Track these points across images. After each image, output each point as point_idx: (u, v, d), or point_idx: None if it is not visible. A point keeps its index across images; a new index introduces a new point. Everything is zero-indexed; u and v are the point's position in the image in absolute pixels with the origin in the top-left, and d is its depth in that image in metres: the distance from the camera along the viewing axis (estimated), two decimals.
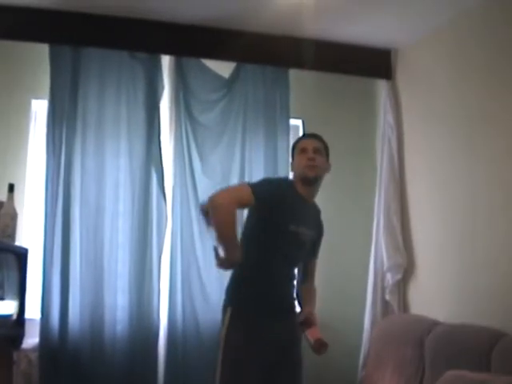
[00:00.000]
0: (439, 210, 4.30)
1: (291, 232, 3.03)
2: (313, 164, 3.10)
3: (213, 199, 2.89)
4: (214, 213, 2.87)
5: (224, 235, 2.85)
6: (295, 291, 3.27)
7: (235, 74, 4.64)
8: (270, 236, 3.03)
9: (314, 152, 3.12)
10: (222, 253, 2.86)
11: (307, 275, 3.34)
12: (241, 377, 2.92)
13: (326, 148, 3.22)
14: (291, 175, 3.31)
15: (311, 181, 3.12)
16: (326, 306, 4.68)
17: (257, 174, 4.49)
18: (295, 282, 3.27)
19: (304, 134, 3.39)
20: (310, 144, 3.16)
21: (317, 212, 3.32)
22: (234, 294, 3.10)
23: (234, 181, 4.51)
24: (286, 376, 3.09)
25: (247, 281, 3.06)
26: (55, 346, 4.02)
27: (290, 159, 3.31)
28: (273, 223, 3.01)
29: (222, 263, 2.88)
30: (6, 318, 3.48)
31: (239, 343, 2.95)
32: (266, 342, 2.97)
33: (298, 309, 3.27)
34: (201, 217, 3.31)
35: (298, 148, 3.21)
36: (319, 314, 4.62)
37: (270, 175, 4.47)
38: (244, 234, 3.11)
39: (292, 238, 3.05)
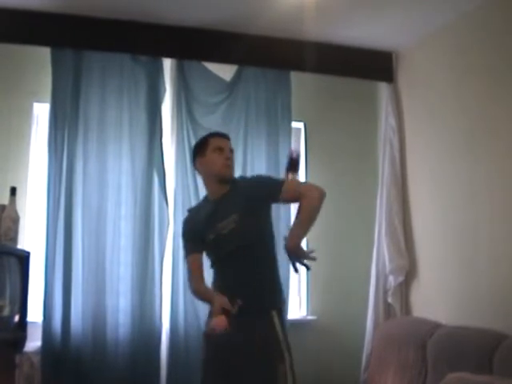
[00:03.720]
0: (441, 212, 4.30)
1: (213, 239, 3.07)
2: (230, 164, 3.15)
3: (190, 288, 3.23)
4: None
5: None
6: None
7: (237, 77, 4.65)
8: (208, 254, 3.17)
9: (230, 152, 3.18)
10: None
11: (297, 201, 3.07)
12: None
13: (233, 150, 3.28)
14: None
15: (228, 180, 3.14)
16: (328, 308, 4.71)
17: None
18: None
19: (215, 132, 3.31)
20: (227, 145, 3.18)
21: (234, 189, 3.15)
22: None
23: None
24: None
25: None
26: (57, 349, 4.02)
27: (194, 155, 3.26)
28: (202, 245, 3.14)
29: None
30: (8, 321, 3.48)
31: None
32: None
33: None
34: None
35: (212, 145, 3.15)
36: (321, 317, 4.67)
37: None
38: None
39: (217, 241, 3.07)
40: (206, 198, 3.27)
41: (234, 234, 3.02)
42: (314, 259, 2.96)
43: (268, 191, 3.07)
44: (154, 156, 4.34)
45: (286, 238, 2.99)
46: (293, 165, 3.26)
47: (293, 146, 3.34)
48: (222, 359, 2.99)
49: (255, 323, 2.94)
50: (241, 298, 2.87)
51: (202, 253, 3.16)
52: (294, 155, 3.31)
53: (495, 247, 3.77)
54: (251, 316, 2.91)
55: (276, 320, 2.99)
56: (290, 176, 3.24)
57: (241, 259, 3.04)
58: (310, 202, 2.97)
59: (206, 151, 3.16)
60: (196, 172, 4.34)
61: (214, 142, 3.17)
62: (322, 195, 3.00)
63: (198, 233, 3.12)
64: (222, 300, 2.88)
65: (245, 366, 2.93)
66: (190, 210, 3.33)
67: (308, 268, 3.01)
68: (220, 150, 3.13)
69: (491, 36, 3.91)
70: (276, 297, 3.12)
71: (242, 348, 2.93)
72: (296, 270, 3.03)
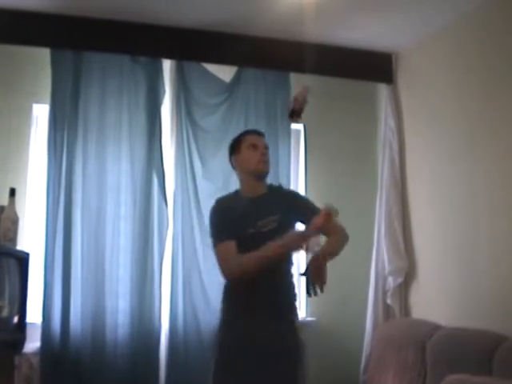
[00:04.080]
0: (440, 213, 4.30)
1: (252, 234, 3.03)
2: (266, 159, 3.17)
3: (230, 278, 3.04)
4: (245, 276, 2.97)
5: (260, 268, 2.92)
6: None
7: (236, 78, 4.65)
8: (240, 246, 3.03)
9: (265, 149, 3.20)
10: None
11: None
12: None
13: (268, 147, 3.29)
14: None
15: (264, 176, 3.19)
16: (328, 309, 4.70)
17: None
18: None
19: (250, 129, 3.36)
20: (261, 141, 3.20)
21: (274, 192, 3.25)
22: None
23: (235, 185, 4.48)
24: None
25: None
26: (56, 351, 4.02)
27: (229, 152, 3.29)
28: (237, 238, 3.04)
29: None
30: (8, 321, 3.48)
31: None
32: None
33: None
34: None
35: (246, 142, 3.20)
36: (320, 318, 4.66)
37: (271, 179, 4.43)
38: None
39: (256, 237, 3.01)
40: (238, 194, 3.24)
41: (274, 233, 3.02)
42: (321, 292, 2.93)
43: (306, 211, 3.14)
44: (154, 157, 4.34)
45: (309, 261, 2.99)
46: (295, 112, 3.28)
47: (295, 93, 3.29)
48: (248, 358, 2.98)
49: (281, 324, 3.04)
50: (267, 295, 2.99)
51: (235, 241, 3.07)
52: (294, 105, 3.29)
53: (495, 248, 3.77)
54: (278, 316, 3.04)
55: (297, 323, 3.11)
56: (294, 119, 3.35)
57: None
58: (338, 238, 3.14)
59: (240, 148, 3.21)
60: (195, 173, 4.43)
61: (249, 140, 3.21)
62: (346, 239, 3.22)
63: (235, 224, 3.05)
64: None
65: (270, 366, 2.98)
66: (220, 201, 3.25)
67: (315, 294, 2.93)
68: (254, 146, 3.16)
69: (491, 36, 3.91)
70: (296, 302, 3.20)
71: (268, 347, 2.99)
72: (309, 294, 2.93)
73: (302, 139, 4.92)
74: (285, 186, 4.48)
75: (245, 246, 3.01)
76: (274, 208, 3.12)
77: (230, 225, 3.06)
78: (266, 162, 3.18)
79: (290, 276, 3.17)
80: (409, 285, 4.61)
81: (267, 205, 3.14)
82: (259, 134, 3.28)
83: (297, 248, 2.94)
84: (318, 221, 2.83)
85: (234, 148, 3.25)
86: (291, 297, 3.16)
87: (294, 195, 3.37)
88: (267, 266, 2.90)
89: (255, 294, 3.00)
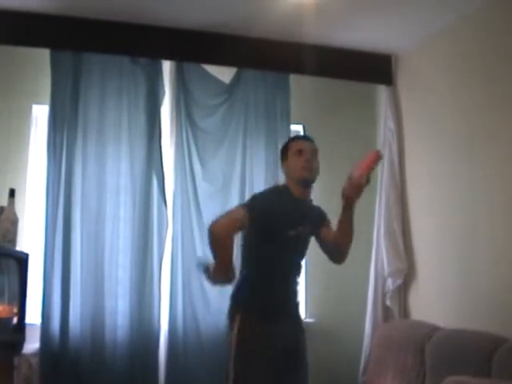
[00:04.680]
0: (440, 215, 4.30)
1: (291, 236, 3.05)
2: (310, 166, 3.11)
3: (211, 229, 2.96)
4: (213, 243, 2.95)
5: (222, 262, 2.98)
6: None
7: (236, 80, 4.65)
8: (269, 246, 3.05)
9: (311, 154, 3.14)
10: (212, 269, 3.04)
11: (331, 239, 3.24)
12: None
13: (317, 151, 3.24)
14: (282, 176, 3.30)
15: (309, 183, 3.14)
16: (327, 310, 4.70)
17: (257, 179, 4.50)
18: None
19: (298, 135, 3.37)
20: (308, 146, 3.16)
21: (312, 204, 3.28)
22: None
23: (235, 186, 4.52)
24: None
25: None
26: (56, 351, 4.02)
27: (280, 159, 3.28)
28: (272, 233, 3.03)
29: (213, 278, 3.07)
30: (7, 322, 3.48)
31: None
32: None
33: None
34: (201, 274, 3.25)
35: (293, 148, 3.18)
36: (320, 320, 4.67)
37: (271, 180, 4.49)
38: (244, 244, 3.19)
39: (292, 241, 3.06)
40: (287, 190, 3.16)
41: (305, 239, 3.18)
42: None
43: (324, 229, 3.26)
44: (153, 158, 4.34)
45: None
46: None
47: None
48: (274, 357, 3.03)
49: (295, 325, 3.20)
50: (283, 298, 3.12)
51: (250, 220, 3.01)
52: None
53: (494, 250, 3.77)
54: (294, 317, 3.21)
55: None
56: None
57: (293, 261, 3.19)
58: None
59: (287, 155, 3.19)
60: (195, 174, 4.43)
61: (295, 146, 3.18)
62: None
63: (277, 216, 3.01)
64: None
65: (294, 366, 3.14)
66: (267, 194, 3.24)
67: None
68: (299, 152, 3.13)
69: (491, 38, 3.91)
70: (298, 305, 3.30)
71: (291, 346, 3.11)
72: None
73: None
74: None
75: (280, 246, 3.05)
76: (310, 217, 3.17)
77: (271, 217, 2.99)
78: (310, 169, 3.11)
79: (297, 284, 3.27)
80: (408, 286, 4.61)
81: (308, 213, 3.18)
82: (306, 138, 3.27)
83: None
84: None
85: (283, 155, 3.24)
86: (297, 303, 3.28)
87: (320, 214, 3.31)
88: (221, 261, 2.99)
89: (274, 299, 3.09)
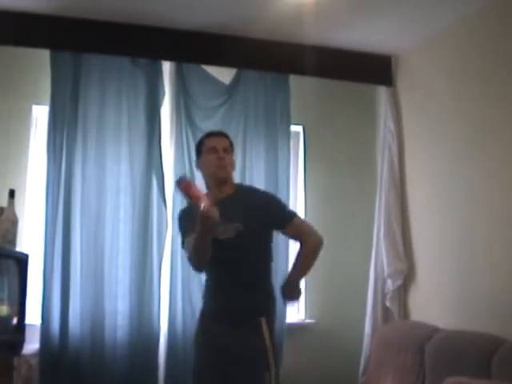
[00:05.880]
0: (439, 216, 4.30)
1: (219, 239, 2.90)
2: (223, 163, 3.09)
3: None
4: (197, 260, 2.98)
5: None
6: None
7: (236, 80, 4.65)
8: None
9: (224, 151, 3.11)
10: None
11: (296, 240, 3.19)
12: None
13: (232, 145, 3.21)
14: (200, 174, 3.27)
15: (224, 180, 3.11)
16: (327, 311, 4.70)
17: (257, 179, 4.49)
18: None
19: (212, 131, 3.29)
20: (220, 143, 3.13)
21: (244, 194, 3.17)
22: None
23: None
24: None
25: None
26: (55, 352, 4.01)
27: (195, 155, 3.27)
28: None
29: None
30: (7, 323, 3.48)
31: None
32: None
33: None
34: (178, 192, 3.08)
35: (205, 146, 3.15)
36: (320, 320, 4.67)
37: (271, 181, 4.50)
38: None
39: (224, 242, 2.91)
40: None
41: (248, 237, 2.95)
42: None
43: (277, 219, 3.12)
44: (153, 159, 4.34)
45: (284, 280, 3.14)
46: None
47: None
48: (213, 365, 2.99)
49: (244, 329, 2.98)
50: (232, 302, 3.00)
51: None
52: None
53: (493, 252, 3.77)
54: (240, 321, 2.99)
55: (264, 327, 2.99)
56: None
57: (236, 263, 3.02)
58: (310, 249, 3.11)
59: (202, 152, 3.17)
60: (195, 175, 4.42)
61: (208, 143, 3.15)
62: (320, 244, 3.12)
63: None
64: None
65: (235, 372, 2.94)
66: (183, 208, 3.27)
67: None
68: (213, 149, 3.11)
69: (490, 39, 3.91)
70: (266, 305, 3.10)
71: (232, 353, 2.95)
72: (285, 304, 3.17)
73: (301, 141, 4.91)
74: (283, 188, 4.50)
75: (215, 251, 2.92)
76: (244, 210, 3.00)
77: (192, 227, 2.87)
78: (223, 166, 3.09)
79: (264, 270, 3.14)
80: (408, 287, 4.61)
81: (238, 208, 3.01)
82: (220, 135, 3.23)
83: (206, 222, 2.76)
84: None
85: (197, 152, 3.23)
86: (261, 291, 3.10)
87: (263, 202, 3.14)
88: (202, 244, 2.85)
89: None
